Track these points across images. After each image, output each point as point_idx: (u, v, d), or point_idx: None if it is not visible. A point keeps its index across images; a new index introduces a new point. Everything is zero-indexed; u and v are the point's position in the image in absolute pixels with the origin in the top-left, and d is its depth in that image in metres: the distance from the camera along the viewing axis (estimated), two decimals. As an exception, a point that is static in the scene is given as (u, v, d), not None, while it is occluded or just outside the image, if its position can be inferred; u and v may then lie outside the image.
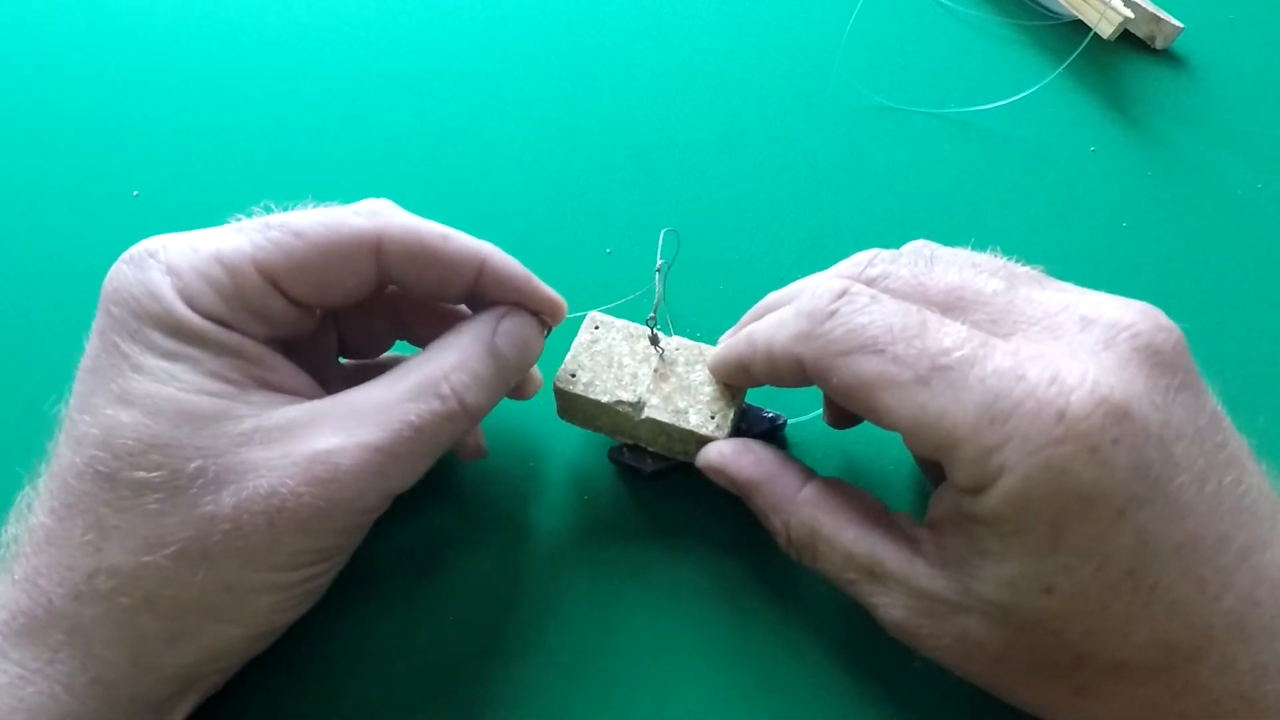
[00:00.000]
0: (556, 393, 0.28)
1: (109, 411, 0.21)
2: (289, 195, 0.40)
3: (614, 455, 0.30)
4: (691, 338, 0.29)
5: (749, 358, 0.25)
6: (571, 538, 0.30)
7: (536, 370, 0.29)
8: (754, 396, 0.31)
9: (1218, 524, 0.19)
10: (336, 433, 0.22)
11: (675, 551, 0.29)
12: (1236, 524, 0.20)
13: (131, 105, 0.44)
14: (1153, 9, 0.43)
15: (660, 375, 0.28)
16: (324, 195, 0.40)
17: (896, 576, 0.23)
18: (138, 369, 0.22)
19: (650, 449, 0.29)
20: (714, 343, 0.29)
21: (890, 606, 0.23)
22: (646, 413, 0.27)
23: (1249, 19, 0.46)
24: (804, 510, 0.25)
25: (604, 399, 0.28)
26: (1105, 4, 0.42)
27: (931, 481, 0.30)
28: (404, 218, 0.25)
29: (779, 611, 0.28)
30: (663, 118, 0.42)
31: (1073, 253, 0.37)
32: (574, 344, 0.29)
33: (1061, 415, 0.19)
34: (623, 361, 0.28)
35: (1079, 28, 0.44)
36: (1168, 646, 0.19)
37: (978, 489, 0.20)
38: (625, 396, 0.28)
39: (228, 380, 0.23)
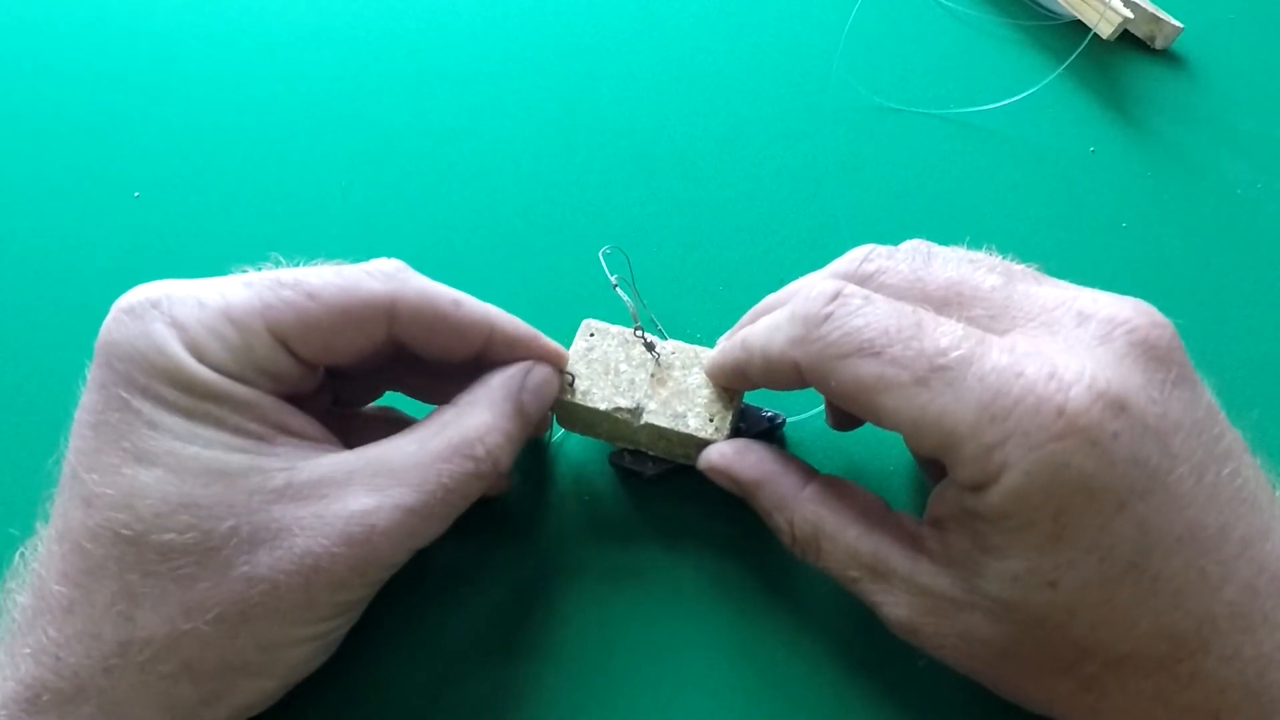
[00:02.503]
0: (555, 403, 0.28)
1: (127, 471, 0.21)
2: (290, 195, 0.40)
3: (615, 460, 0.30)
4: (691, 339, 0.29)
5: (745, 363, 0.25)
6: (571, 538, 0.30)
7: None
8: (752, 396, 0.31)
9: (1217, 514, 0.20)
10: (370, 492, 0.22)
11: (675, 552, 0.29)
12: (1236, 514, 0.20)
13: (132, 105, 0.44)
14: (1152, 9, 0.43)
15: (658, 380, 0.28)
16: (324, 195, 0.40)
17: (900, 574, 0.23)
18: (154, 425, 0.21)
19: (651, 453, 0.29)
20: (713, 344, 0.29)
21: (894, 605, 0.23)
22: (645, 418, 0.27)
23: (1249, 19, 0.46)
24: (807, 508, 0.25)
25: (603, 406, 0.28)
26: (1105, 4, 0.42)
27: (931, 479, 0.30)
28: (418, 282, 0.25)
29: (779, 612, 0.28)
30: (662, 118, 0.42)
31: (1072, 253, 0.37)
32: (570, 352, 0.29)
33: (1061, 410, 0.19)
34: (619, 368, 0.28)
35: (1079, 28, 0.44)
36: (1172, 638, 0.19)
37: (980, 486, 0.20)
38: (624, 403, 0.28)
39: (250, 434, 0.22)
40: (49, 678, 0.20)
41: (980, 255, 0.24)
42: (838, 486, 0.25)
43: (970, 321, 0.22)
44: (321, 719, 0.27)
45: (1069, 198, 0.39)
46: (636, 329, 0.29)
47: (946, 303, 0.23)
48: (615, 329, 0.29)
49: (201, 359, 0.22)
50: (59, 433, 0.23)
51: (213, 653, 0.21)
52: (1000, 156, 0.40)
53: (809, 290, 0.23)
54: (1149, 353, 0.20)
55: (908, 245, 0.25)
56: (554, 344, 0.27)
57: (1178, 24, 0.43)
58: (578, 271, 0.37)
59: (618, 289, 0.28)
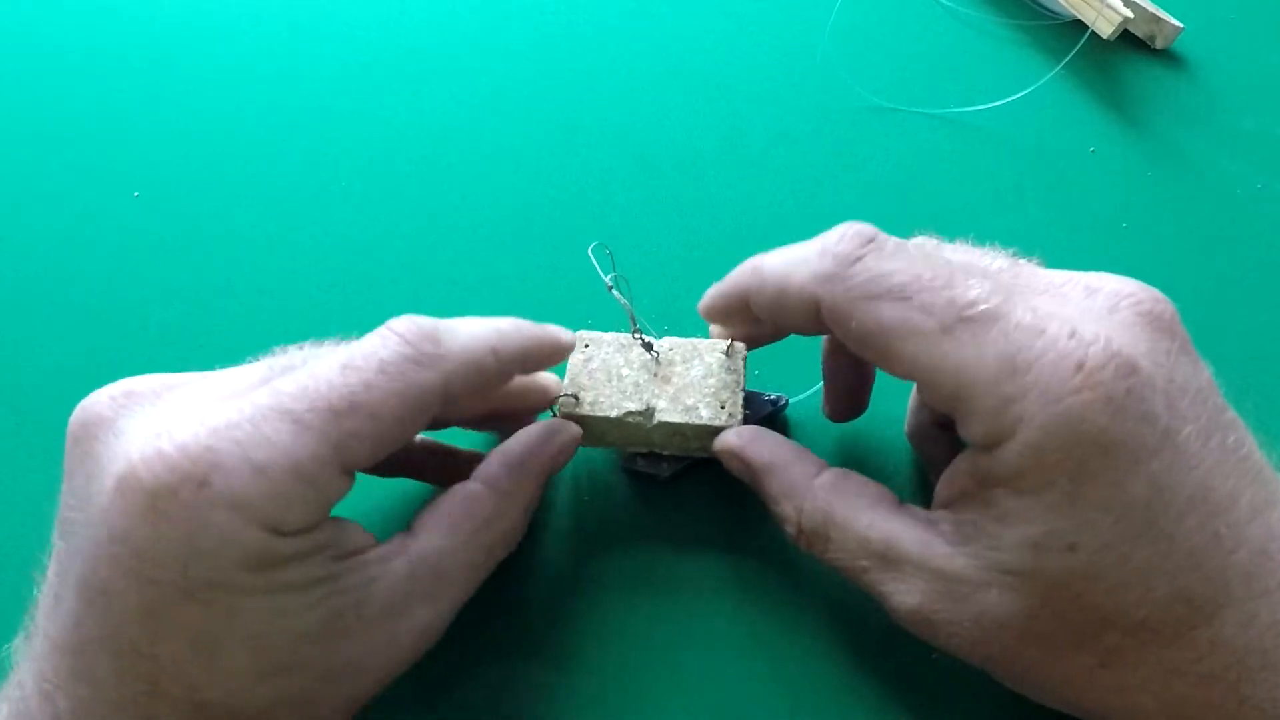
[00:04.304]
0: (563, 419, 0.28)
1: (204, 659, 0.19)
2: (289, 194, 0.40)
3: (628, 465, 0.30)
4: (688, 337, 0.29)
5: (754, 291, 0.25)
6: (574, 538, 0.30)
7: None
8: (754, 381, 0.31)
9: (1224, 479, 0.20)
10: (429, 603, 0.23)
11: (678, 552, 0.29)
12: (1243, 481, 0.20)
13: (132, 105, 0.44)
14: (1152, 9, 0.43)
15: (661, 378, 0.28)
16: (326, 194, 0.40)
17: (913, 559, 0.22)
18: (231, 614, 0.19)
19: (665, 452, 0.29)
20: (713, 339, 0.29)
21: (905, 593, 0.22)
22: (658, 417, 0.27)
23: (1249, 19, 0.46)
24: (819, 495, 0.24)
25: (613, 414, 0.28)
26: (1104, 3, 0.42)
27: (932, 467, 0.30)
28: (459, 350, 0.23)
29: (783, 612, 0.28)
30: (661, 118, 0.42)
31: (1072, 253, 0.37)
32: (568, 367, 0.29)
33: (1080, 366, 0.19)
34: (621, 373, 0.28)
35: (1078, 27, 0.44)
36: (1189, 601, 0.19)
37: (994, 442, 0.20)
38: (633, 406, 0.28)
39: (320, 580, 0.21)
40: None
41: (986, 249, 0.24)
42: (848, 477, 0.25)
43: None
44: (321, 719, 0.27)
45: (1068, 198, 0.39)
46: (635, 331, 0.29)
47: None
48: (609, 336, 0.29)
49: (279, 529, 0.20)
50: (59, 432, 0.22)
51: None
52: (999, 156, 0.40)
53: (844, 230, 0.23)
54: (1154, 323, 0.21)
55: (916, 239, 0.25)
56: (566, 336, 0.27)
57: (1178, 24, 0.43)
58: (574, 271, 0.37)
59: (614, 291, 0.28)
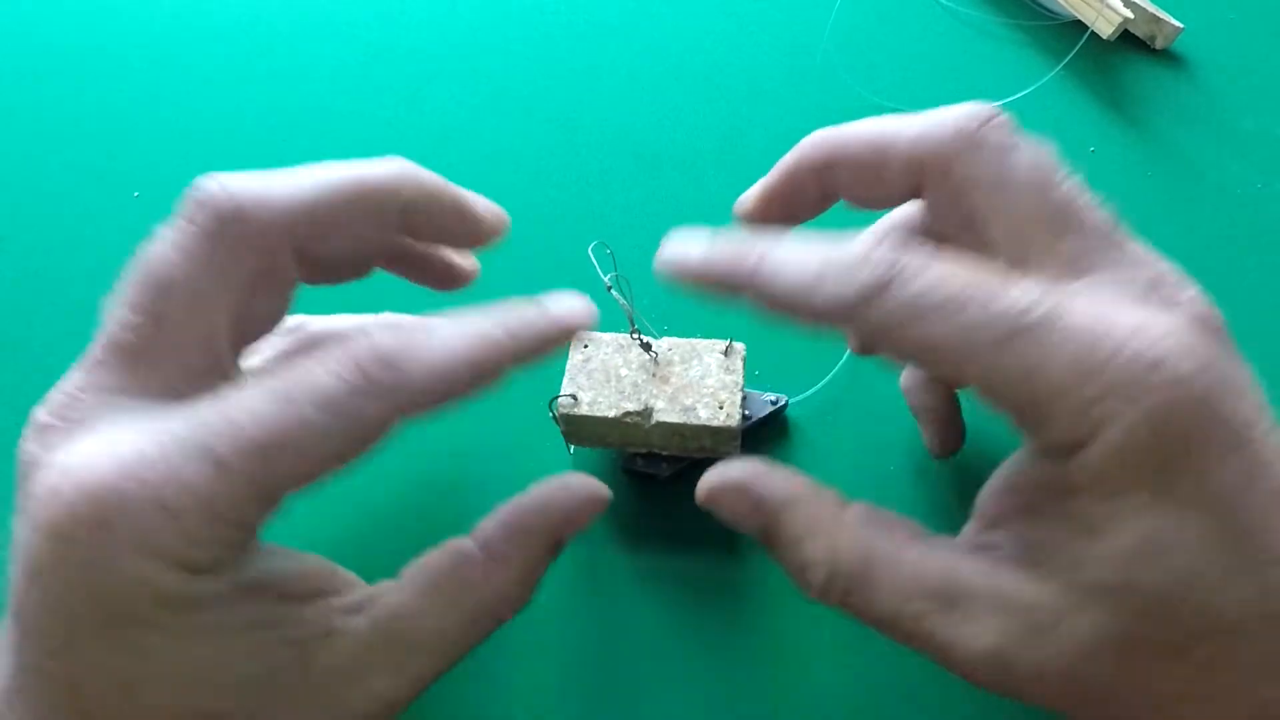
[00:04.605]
0: (561, 419, 0.28)
1: (126, 695, 0.18)
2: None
3: (628, 466, 0.30)
4: (689, 337, 0.29)
5: (761, 284, 0.21)
6: (582, 541, 0.30)
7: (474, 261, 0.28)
8: (753, 381, 0.31)
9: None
10: (391, 674, 0.20)
11: (678, 552, 0.29)
12: None
13: (131, 105, 0.44)
14: (1152, 9, 0.43)
15: (660, 378, 0.28)
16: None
17: (982, 593, 0.19)
18: (146, 655, 0.18)
19: (664, 453, 0.29)
20: (712, 338, 0.29)
21: (976, 636, 0.19)
22: (656, 417, 0.27)
23: (1249, 19, 0.46)
24: (856, 531, 0.21)
25: (611, 414, 0.28)
26: (1104, 4, 0.42)
27: (923, 419, 0.29)
28: (423, 374, 0.20)
29: (783, 613, 0.28)
30: (661, 118, 0.42)
31: (1072, 253, 0.37)
32: (567, 368, 0.29)
33: (1157, 364, 0.18)
34: (620, 373, 0.28)
35: (1078, 28, 0.44)
36: (1278, 597, 0.19)
37: (1074, 447, 0.19)
38: (631, 407, 0.28)
39: (255, 625, 0.19)
40: None
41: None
42: (879, 510, 0.21)
43: (1055, 255, 0.21)
44: (321, 719, 0.27)
45: (1069, 198, 0.39)
46: (633, 331, 0.29)
47: (1053, 219, 0.22)
48: (607, 336, 0.29)
49: (197, 570, 0.18)
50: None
51: None
52: (1000, 156, 0.40)
53: (861, 256, 0.20)
54: (1213, 328, 0.21)
55: (1037, 140, 0.23)
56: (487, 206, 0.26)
57: (1178, 24, 0.43)
58: (574, 271, 0.37)
59: (612, 291, 0.28)
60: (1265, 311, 0.35)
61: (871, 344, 0.22)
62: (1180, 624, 0.19)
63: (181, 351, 0.21)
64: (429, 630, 0.21)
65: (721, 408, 0.27)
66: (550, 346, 0.23)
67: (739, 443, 0.28)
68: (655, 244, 0.37)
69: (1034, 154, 0.22)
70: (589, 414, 0.28)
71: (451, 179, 0.41)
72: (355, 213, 0.23)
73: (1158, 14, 0.43)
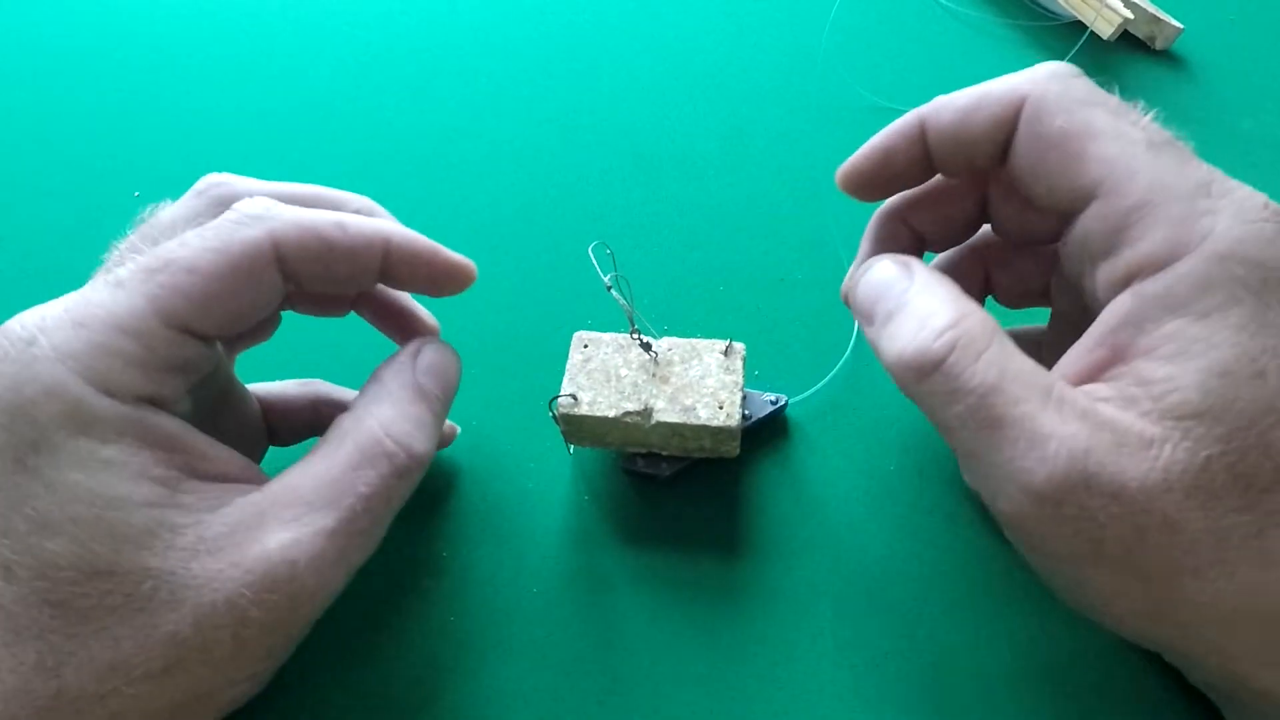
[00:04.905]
0: (561, 419, 0.28)
1: (33, 540, 0.19)
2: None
3: (628, 466, 0.30)
4: (690, 338, 0.29)
5: (931, 114, 0.25)
6: (574, 538, 0.30)
7: (451, 424, 0.30)
8: (752, 382, 0.31)
9: None
10: (285, 526, 0.21)
11: (678, 552, 0.29)
12: None
13: (132, 105, 0.44)
14: (1152, 9, 0.43)
15: (660, 378, 0.28)
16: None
17: (1080, 405, 0.20)
18: (51, 487, 0.19)
19: (664, 453, 0.29)
20: (712, 338, 0.29)
21: (1068, 438, 0.19)
22: (656, 417, 0.27)
23: (1249, 19, 0.46)
24: (989, 318, 0.22)
25: (611, 414, 0.28)
26: (1104, 4, 0.42)
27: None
28: (291, 214, 0.23)
29: (783, 613, 0.28)
30: (661, 118, 0.42)
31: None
32: (567, 367, 0.29)
33: (1266, 204, 0.20)
34: (620, 373, 0.28)
35: (1078, 28, 0.44)
36: None
37: (1177, 253, 0.20)
38: (631, 407, 0.28)
39: (155, 479, 0.21)
40: None
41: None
42: None
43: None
44: (320, 719, 0.27)
45: (1069, 198, 0.39)
46: (633, 331, 0.29)
47: (1157, 146, 0.23)
48: (608, 336, 0.29)
49: (104, 387, 0.20)
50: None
51: (142, 704, 0.20)
52: (1000, 156, 0.40)
53: (1048, 63, 0.24)
54: None
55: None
56: (458, 258, 0.26)
57: (1178, 24, 0.43)
58: (574, 271, 0.37)
59: (612, 291, 0.28)
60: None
61: (1033, 118, 0.23)
62: (1261, 458, 0.19)
63: None
64: (315, 479, 0.22)
65: (721, 408, 0.27)
66: (422, 251, 0.25)
67: (739, 443, 0.28)
68: (655, 244, 0.38)
69: (1113, 102, 0.24)
70: (589, 414, 0.28)
71: (452, 179, 0.41)
72: (338, 257, 0.24)
73: (1158, 14, 0.43)
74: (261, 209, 0.23)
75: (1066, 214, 0.22)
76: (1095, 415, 0.20)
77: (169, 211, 0.25)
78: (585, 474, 0.31)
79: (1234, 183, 0.20)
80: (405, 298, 0.29)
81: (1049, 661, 0.27)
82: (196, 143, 0.42)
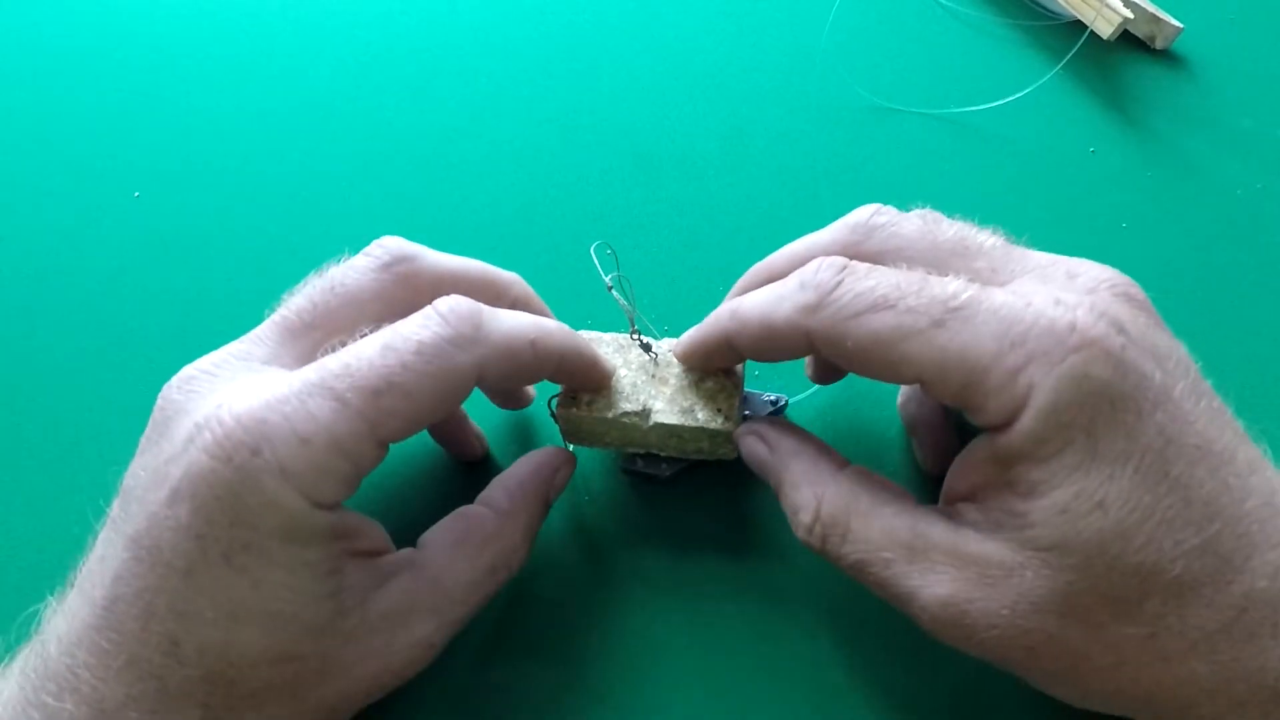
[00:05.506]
0: (559, 419, 0.28)
1: (223, 628, 0.21)
2: (289, 194, 0.40)
3: (627, 466, 0.30)
4: (690, 338, 0.30)
5: (735, 333, 0.25)
6: (574, 538, 0.30)
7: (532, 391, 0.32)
8: (753, 382, 0.31)
9: (1220, 433, 0.21)
10: (430, 618, 0.24)
11: (678, 552, 0.29)
12: (1235, 438, 0.21)
13: (132, 105, 0.44)
14: (1152, 9, 0.43)
15: (659, 380, 0.28)
16: (325, 194, 0.40)
17: (942, 547, 0.22)
18: (257, 585, 0.21)
19: (663, 454, 0.29)
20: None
21: (935, 584, 0.22)
22: (654, 418, 0.27)
23: (1249, 19, 0.46)
24: (843, 485, 0.24)
25: (609, 414, 0.28)
26: (1104, 4, 0.42)
27: (917, 438, 0.30)
28: (501, 335, 0.24)
29: (783, 613, 0.28)
30: (661, 118, 0.42)
31: (1072, 252, 0.36)
32: None
33: (1072, 326, 0.20)
34: (619, 373, 0.28)
35: (1078, 28, 0.44)
36: (1216, 553, 0.20)
37: (1010, 418, 0.21)
38: (630, 407, 0.28)
39: (334, 571, 0.22)
40: None
41: (981, 228, 0.26)
42: (872, 475, 0.25)
43: (973, 273, 0.24)
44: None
45: (1068, 198, 0.39)
46: (634, 332, 0.29)
47: (954, 252, 0.24)
48: (608, 336, 0.29)
49: (317, 501, 0.21)
50: (58, 432, 0.22)
51: None
52: (999, 157, 0.40)
53: (816, 264, 0.23)
54: (1131, 301, 0.22)
55: (917, 211, 0.26)
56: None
57: (1177, 24, 0.43)
58: (574, 271, 0.37)
59: (613, 291, 0.28)
60: (1265, 311, 0.35)
61: (825, 349, 0.23)
62: (1122, 579, 0.20)
63: (330, 334, 0.25)
64: (459, 580, 0.25)
65: (720, 410, 0.27)
66: (586, 363, 0.27)
67: (736, 446, 0.28)
68: (655, 244, 0.38)
69: (914, 216, 0.25)
70: (587, 414, 0.28)
71: (452, 179, 0.41)
72: (524, 376, 0.25)
73: (1158, 14, 0.43)
74: (472, 330, 0.23)
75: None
76: (961, 551, 0.22)
77: (352, 278, 0.26)
78: (585, 474, 0.31)
79: (1030, 314, 0.21)
80: None
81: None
82: (196, 143, 0.42)
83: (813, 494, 0.24)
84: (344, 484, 0.22)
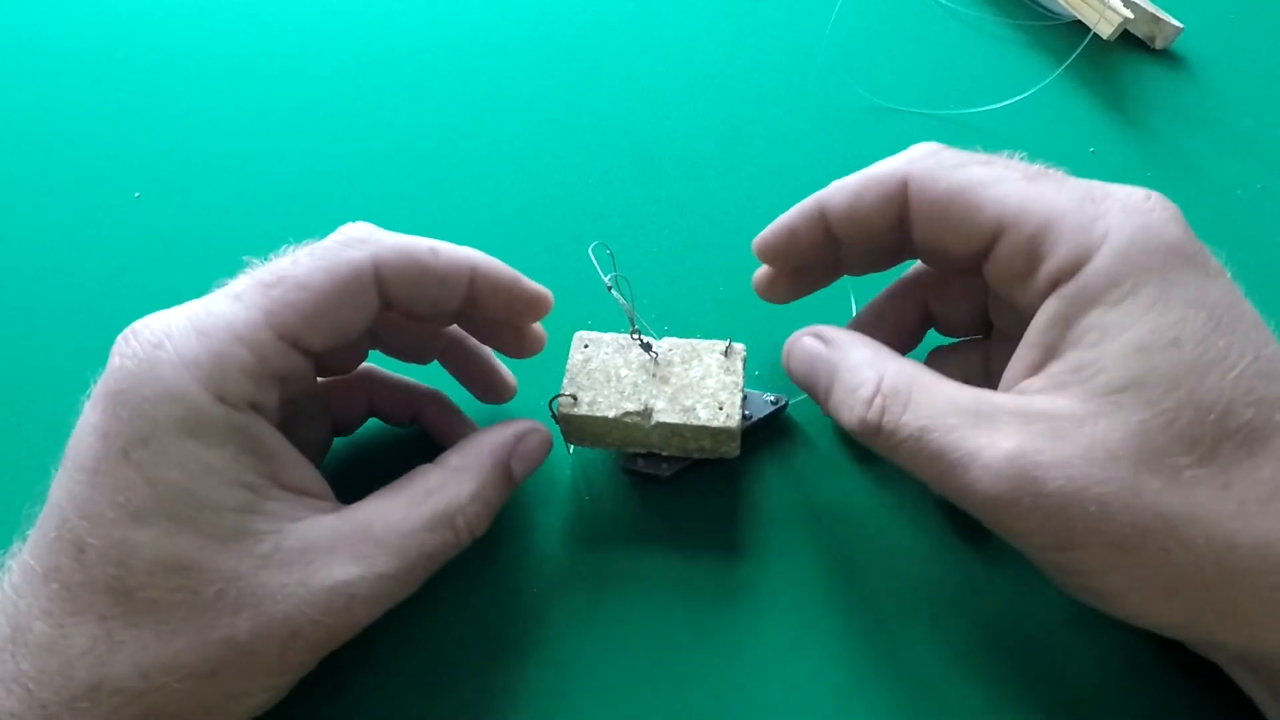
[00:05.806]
0: (560, 419, 0.28)
1: (122, 526, 0.21)
2: (289, 194, 0.40)
3: (628, 466, 0.30)
4: (690, 338, 0.29)
5: (828, 196, 0.27)
6: (574, 538, 0.30)
7: (540, 330, 0.30)
8: (752, 382, 0.31)
9: (1262, 329, 0.22)
10: (354, 561, 0.23)
11: (678, 552, 0.29)
12: (1271, 335, 0.22)
13: (132, 105, 0.44)
14: (1152, 9, 0.43)
15: (660, 379, 0.28)
16: (325, 195, 0.40)
17: (1008, 409, 0.21)
18: (152, 483, 0.21)
19: (664, 453, 0.29)
20: (712, 339, 0.29)
21: (1001, 440, 0.21)
22: (656, 418, 0.27)
23: (1249, 19, 0.46)
24: (905, 363, 0.24)
25: (611, 414, 0.28)
26: (1105, 4, 0.42)
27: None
28: (391, 239, 0.25)
29: (783, 613, 0.28)
30: (661, 118, 0.42)
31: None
32: (568, 367, 0.29)
33: (1148, 195, 0.22)
34: (620, 374, 0.28)
35: (1079, 28, 0.44)
36: (1275, 405, 0.20)
37: (1083, 259, 0.22)
38: (631, 407, 0.28)
39: (247, 485, 0.22)
40: (17, 707, 0.20)
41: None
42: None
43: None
44: (320, 719, 0.27)
45: (1069, 198, 0.39)
46: (633, 331, 0.29)
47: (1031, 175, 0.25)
48: (608, 336, 0.29)
49: (222, 394, 0.22)
50: (58, 434, 0.22)
51: (178, 703, 0.21)
52: (1000, 156, 0.40)
53: (918, 144, 0.26)
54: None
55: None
56: (536, 286, 0.27)
57: (1178, 24, 0.43)
58: (574, 271, 0.37)
59: (613, 291, 0.28)
60: (1265, 312, 0.35)
61: (918, 194, 0.25)
62: (1198, 414, 0.20)
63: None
64: (392, 526, 0.24)
65: (721, 408, 0.27)
66: (505, 280, 0.27)
67: (739, 444, 0.28)
68: (655, 244, 0.38)
69: (966, 152, 0.26)
70: (589, 414, 0.28)
71: (452, 179, 0.41)
72: (430, 279, 0.26)
73: (1158, 14, 0.43)
74: (364, 233, 0.25)
75: (981, 252, 0.24)
76: (1026, 410, 0.21)
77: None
78: (585, 474, 0.31)
79: (1112, 186, 0.23)
80: (488, 353, 0.31)
81: (1051, 661, 0.27)
82: (196, 143, 0.42)
83: (874, 371, 0.24)
84: (248, 377, 0.22)
